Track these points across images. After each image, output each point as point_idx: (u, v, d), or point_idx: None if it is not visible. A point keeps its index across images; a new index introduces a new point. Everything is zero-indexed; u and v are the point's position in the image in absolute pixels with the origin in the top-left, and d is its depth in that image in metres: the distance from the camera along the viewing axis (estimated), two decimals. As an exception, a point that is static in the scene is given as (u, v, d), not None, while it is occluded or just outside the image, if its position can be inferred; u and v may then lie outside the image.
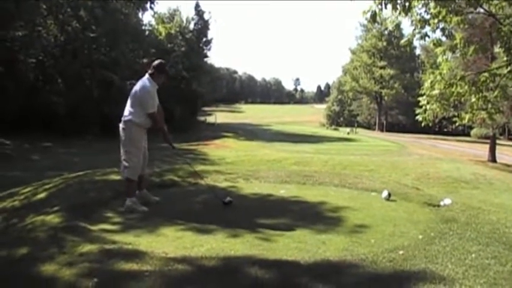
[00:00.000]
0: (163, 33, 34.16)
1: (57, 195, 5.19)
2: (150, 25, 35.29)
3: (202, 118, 44.73)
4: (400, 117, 57.92)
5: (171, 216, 4.32)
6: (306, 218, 4.32)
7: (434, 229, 3.88)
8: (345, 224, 4.12)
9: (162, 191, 5.56)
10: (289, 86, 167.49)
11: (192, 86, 34.04)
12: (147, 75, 4.76)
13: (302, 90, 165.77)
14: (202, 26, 37.92)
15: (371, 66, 56.49)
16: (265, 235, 3.69)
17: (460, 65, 15.58)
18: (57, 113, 21.87)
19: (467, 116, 7.23)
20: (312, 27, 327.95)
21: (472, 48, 6.29)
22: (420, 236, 3.67)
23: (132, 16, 28.47)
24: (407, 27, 49.47)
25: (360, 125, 58.80)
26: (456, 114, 8.16)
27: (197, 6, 37.94)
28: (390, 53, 56.44)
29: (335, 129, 53.79)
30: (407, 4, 5.67)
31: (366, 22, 49.28)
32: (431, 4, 5.95)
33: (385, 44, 55.75)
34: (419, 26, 6.18)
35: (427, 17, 6.11)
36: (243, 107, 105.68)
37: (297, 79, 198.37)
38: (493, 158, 19.97)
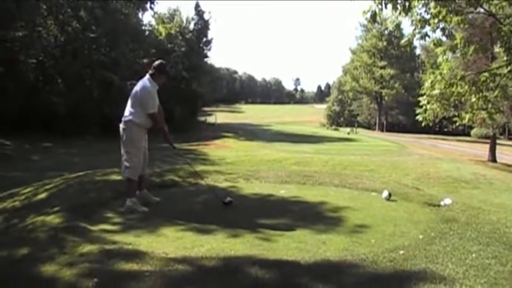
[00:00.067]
0: (163, 34, 34.18)
1: (57, 196, 5.20)
2: (150, 25, 35.32)
3: (202, 118, 44.73)
4: (400, 117, 57.92)
5: (172, 216, 4.32)
6: (306, 218, 4.32)
7: (435, 229, 3.88)
8: (345, 224, 4.12)
9: (162, 191, 5.56)
10: (289, 86, 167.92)
11: (192, 86, 34.05)
12: (147, 76, 4.76)
13: (302, 90, 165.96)
14: (203, 26, 37.92)
15: (371, 66, 56.50)
16: (265, 235, 3.69)
17: (460, 65, 15.59)
18: (57, 114, 21.89)
19: (467, 116, 7.23)
20: (312, 27, 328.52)
21: (472, 48, 6.29)
22: (420, 236, 3.67)
23: (132, 16, 28.47)
24: (407, 27, 49.56)
25: (360, 125, 58.81)
26: (456, 114, 8.16)
27: (197, 6, 37.99)
28: (390, 53, 56.45)
29: (335, 129, 53.79)
30: (407, 4, 5.67)
31: (366, 22, 49.29)
32: (432, 4, 5.95)
33: (385, 44, 55.76)
34: (419, 26, 6.19)
35: (427, 17, 6.11)
36: (243, 107, 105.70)
37: (297, 79, 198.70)
38: (493, 158, 19.97)
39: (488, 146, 21.57)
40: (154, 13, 34.40)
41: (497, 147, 21.39)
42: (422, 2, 5.93)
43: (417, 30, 6.28)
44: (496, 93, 6.66)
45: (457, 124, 11.96)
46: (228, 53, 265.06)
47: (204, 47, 38.71)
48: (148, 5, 26.60)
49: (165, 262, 2.90)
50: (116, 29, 24.99)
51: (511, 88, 7.98)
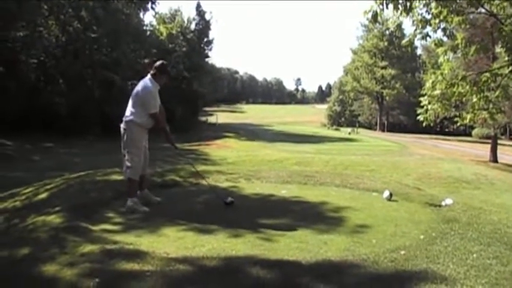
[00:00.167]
0: (164, 34, 34.22)
1: (58, 196, 5.21)
2: (152, 25, 35.39)
3: (203, 118, 44.78)
4: (401, 117, 57.92)
5: (173, 216, 4.33)
6: (307, 218, 4.32)
7: (436, 229, 3.87)
8: (346, 224, 4.12)
9: (163, 191, 5.57)
10: (290, 86, 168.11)
11: (193, 86, 34.08)
12: (149, 76, 4.76)
13: (303, 90, 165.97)
14: (204, 26, 37.96)
15: (372, 66, 56.48)
16: (266, 235, 3.69)
17: (461, 65, 15.53)
18: (58, 114, 21.92)
19: (468, 116, 7.23)
20: (313, 27, 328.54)
21: (473, 48, 6.29)
22: (421, 236, 3.67)
23: (133, 16, 28.52)
24: (408, 27, 49.40)
25: (361, 125, 58.79)
26: (457, 114, 8.16)
27: (198, 6, 38.06)
28: (391, 53, 56.44)
29: (336, 129, 53.75)
30: (408, 4, 5.67)
31: (367, 22, 49.39)
32: (433, 4, 5.95)
33: (386, 44, 55.73)
34: (420, 26, 6.19)
35: (429, 17, 6.12)
36: (244, 107, 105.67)
37: (298, 79, 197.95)
38: (494, 158, 19.94)
39: (489, 146, 21.53)
40: (156, 13, 34.60)
41: (499, 147, 21.36)
42: (424, 2, 5.93)
43: (418, 31, 6.28)
44: (497, 93, 6.66)
45: (458, 124, 11.93)
46: (229, 53, 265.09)
47: (205, 47, 38.77)
48: (149, 5, 26.80)
49: (166, 262, 2.90)
50: (117, 29, 25.02)
51: (512, 88, 7.98)
